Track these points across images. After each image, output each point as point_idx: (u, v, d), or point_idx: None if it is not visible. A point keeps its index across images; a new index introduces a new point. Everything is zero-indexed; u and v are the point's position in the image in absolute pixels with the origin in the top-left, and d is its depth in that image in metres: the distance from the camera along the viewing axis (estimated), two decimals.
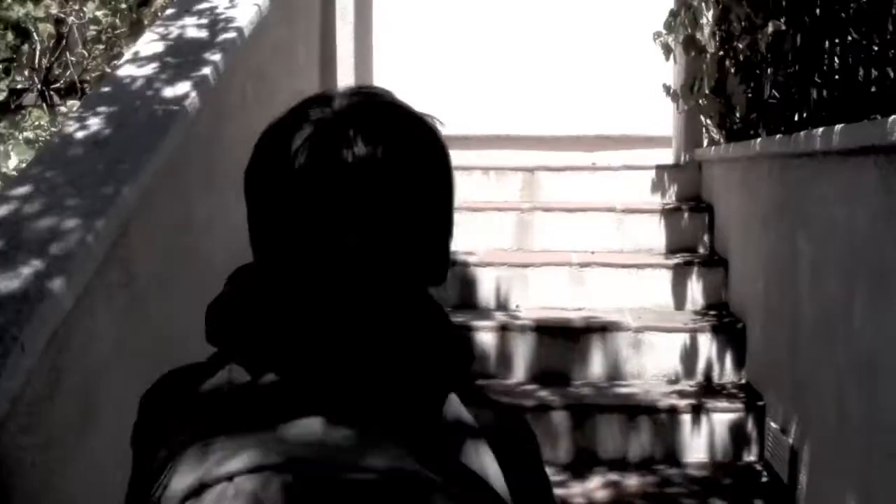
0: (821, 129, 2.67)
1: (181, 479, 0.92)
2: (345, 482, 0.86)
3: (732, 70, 4.22)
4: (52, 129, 5.44)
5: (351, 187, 0.98)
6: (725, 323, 4.00)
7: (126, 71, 3.59)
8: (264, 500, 0.86)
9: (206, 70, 3.55)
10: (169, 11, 4.18)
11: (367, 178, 0.98)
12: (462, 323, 3.93)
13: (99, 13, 5.89)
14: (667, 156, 5.86)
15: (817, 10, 3.01)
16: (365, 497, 0.85)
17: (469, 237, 4.60)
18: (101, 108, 3.33)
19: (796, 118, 3.22)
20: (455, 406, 0.98)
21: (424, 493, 0.85)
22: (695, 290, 4.27)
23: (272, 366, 0.98)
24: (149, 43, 3.80)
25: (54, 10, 5.84)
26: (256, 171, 1.08)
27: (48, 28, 5.85)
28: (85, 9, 5.91)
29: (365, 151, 0.99)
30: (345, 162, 0.98)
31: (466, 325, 3.92)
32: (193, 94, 3.39)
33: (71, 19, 5.97)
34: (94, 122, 3.24)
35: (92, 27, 5.97)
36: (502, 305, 4.27)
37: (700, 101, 4.73)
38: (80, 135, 3.18)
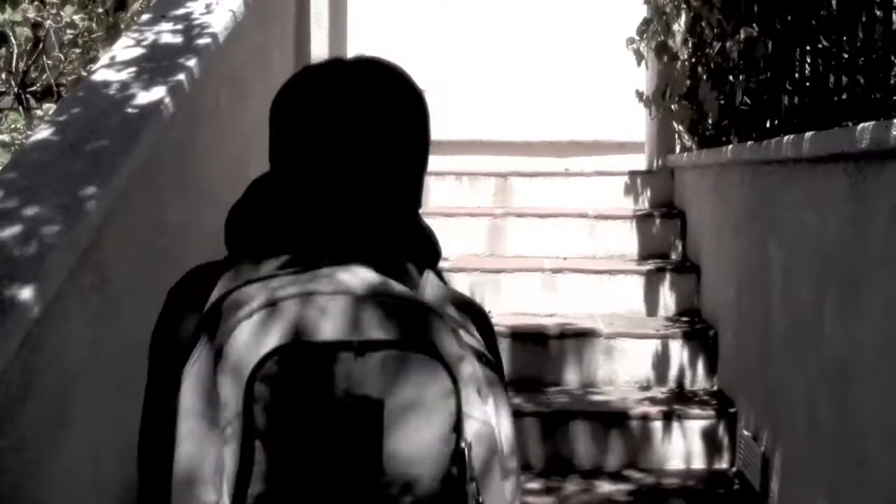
0: (791, 137, 2.69)
1: (251, 303, 1.14)
2: (383, 302, 1.14)
3: (704, 76, 4.26)
4: (28, 132, 5.43)
5: (355, 118, 1.32)
6: (697, 329, 4.03)
7: (101, 75, 3.58)
8: (328, 308, 1.12)
9: (181, 75, 3.54)
10: (145, 17, 4.17)
11: (368, 113, 1.32)
12: None
13: (76, 17, 5.89)
14: (639, 162, 5.89)
15: (788, 18, 3.04)
16: (397, 312, 1.14)
17: (442, 243, 4.61)
18: (76, 112, 3.32)
19: (768, 124, 3.25)
20: (433, 278, 1.27)
21: (430, 312, 1.16)
22: (667, 297, 4.29)
23: (288, 247, 1.23)
24: (124, 48, 3.79)
25: (32, 15, 5.83)
26: (282, 101, 1.41)
27: (25, 32, 5.84)
28: (62, 13, 5.90)
29: (367, 94, 1.33)
30: (352, 100, 1.32)
31: None
32: (168, 98, 3.38)
33: (48, 23, 5.95)
34: (69, 126, 3.23)
35: (69, 31, 5.97)
36: None
37: (672, 108, 4.76)
38: (54, 138, 3.17)
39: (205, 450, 1.12)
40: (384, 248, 1.27)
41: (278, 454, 1.11)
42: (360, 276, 1.17)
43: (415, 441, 1.15)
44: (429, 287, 1.25)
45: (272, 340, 1.11)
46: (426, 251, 1.36)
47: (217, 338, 1.15)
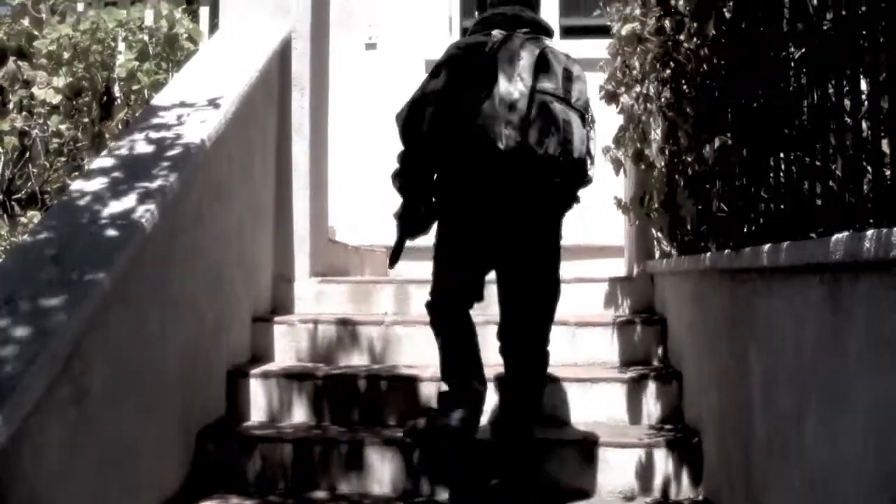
0: (768, 246, 2.72)
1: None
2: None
3: (681, 183, 4.30)
4: (12, 238, 5.44)
5: None
6: (681, 437, 4.00)
7: (85, 185, 3.62)
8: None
9: (163, 186, 3.58)
10: (129, 127, 4.22)
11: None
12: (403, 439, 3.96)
13: (62, 126, 5.97)
14: (619, 266, 5.93)
15: (762, 127, 3.09)
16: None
17: (422, 351, 4.61)
18: (58, 222, 3.35)
19: (745, 230, 3.28)
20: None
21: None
22: (649, 404, 4.28)
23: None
24: (108, 158, 3.84)
25: (19, 124, 5.91)
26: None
27: (13, 140, 5.92)
28: (49, 122, 5.98)
29: None
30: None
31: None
32: (149, 209, 3.41)
33: (35, 132, 6.02)
34: (51, 236, 3.25)
35: (55, 140, 6.05)
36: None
37: (651, 215, 4.80)
38: (36, 248, 3.18)
39: None
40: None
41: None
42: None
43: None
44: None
45: None
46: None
47: None
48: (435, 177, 3.82)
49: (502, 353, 3.89)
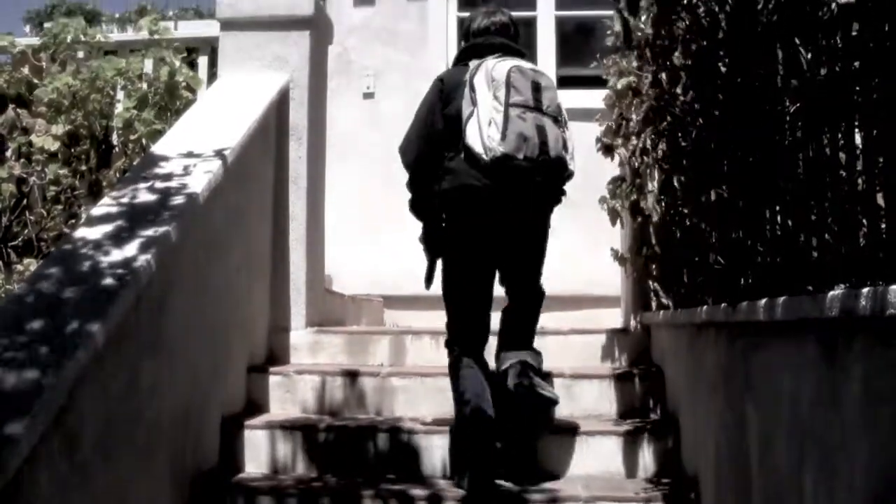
0: (764, 301, 2.71)
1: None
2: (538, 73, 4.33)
3: (678, 235, 4.31)
4: (8, 286, 5.44)
5: None
6: (677, 492, 3.97)
7: (82, 233, 3.61)
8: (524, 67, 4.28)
9: (159, 236, 3.58)
10: (126, 176, 4.23)
11: None
12: (402, 491, 3.95)
13: (60, 173, 6.00)
14: (615, 316, 5.92)
15: (758, 180, 3.09)
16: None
17: (416, 403, 4.59)
18: (55, 271, 3.34)
19: (742, 283, 3.27)
20: None
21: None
22: (646, 457, 4.25)
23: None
24: (105, 206, 3.84)
25: (17, 171, 5.94)
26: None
27: (10, 188, 5.94)
28: (47, 170, 6.01)
29: None
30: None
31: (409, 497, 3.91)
32: (145, 259, 3.41)
33: (32, 179, 6.05)
34: (47, 285, 3.24)
35: (52, 187, 6.08)
36: (449, 476, 4.21)
37: (648, 266, 4.80)
38: (32, 297, 3.18)
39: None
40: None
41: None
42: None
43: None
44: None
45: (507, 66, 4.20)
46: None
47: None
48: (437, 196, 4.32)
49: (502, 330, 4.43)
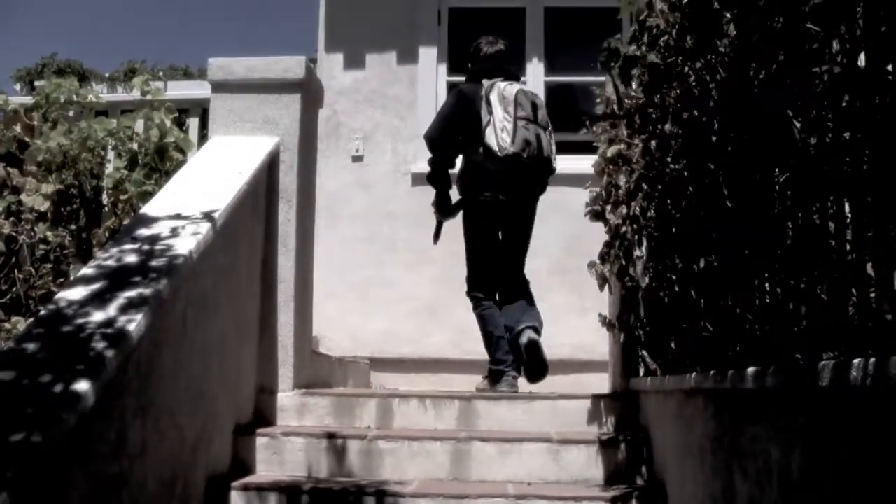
0: (753, 370, 2.71)
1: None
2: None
3: (666, 301, 4.32)
4: None
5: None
6: None
7: (71, 294, 3.60)
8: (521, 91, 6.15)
9: (148, 296, 3.57)
10: (116, 236, 4.23)
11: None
12: None
13: (49, 233, 6.01)
14: (603, 381, 5.92)
15: (747, 248, 3.11)
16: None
17: (405, 466, 4.57)
18: (41, 332, 3.33)
19: (731, 351, 3.28)
20: None
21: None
22: None
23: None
24: (94, 267, 3.84)
25: (6, 230, 5.95)
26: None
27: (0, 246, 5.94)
28: (36, 228, 6.02)
29: None
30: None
31: None
32: (134, 319, 3.40)
33: (22, 238, 6.05)
34: (33, 347, 3.24)
35: (41, 246, 6.09)
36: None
37: (636, 332, 4.81)
38: (18, 359, 3.17)
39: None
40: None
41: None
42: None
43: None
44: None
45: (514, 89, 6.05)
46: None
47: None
48: (461, 181, 6.31)
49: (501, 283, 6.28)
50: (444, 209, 6.37)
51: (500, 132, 5.80)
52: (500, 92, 5.95)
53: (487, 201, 6.06)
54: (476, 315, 6.20)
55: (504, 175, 5.91)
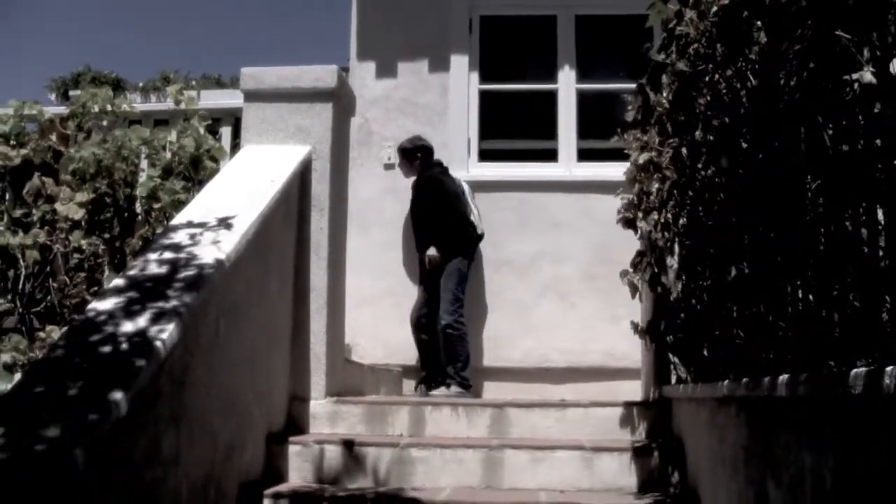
0: (786, 378, 2.70)
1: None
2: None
3: (698, 309, 4.30)
4: (30, 353, 5.47)
5: None
6: None
7: (104, 303, 3.63)
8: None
9: (181, 306, 3.60)
10: (150, 245, 4.26)
11: None
12: None
13: (83, 242, 6.06)
14: (635, 389, 5.90)
15: (779, 255, 3.10)
16: None
17: (437, 474, 4.57)
18: (76, 340, 3.36)
19: (763, 357, 3.26)
20: None
21: None
22: None
23: None
24: (127, 276, 3.86)
25: (42, 239, 6.00)
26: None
27: (34, 255, 6.00)
28: (70, 237, 6.07)
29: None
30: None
31: None
32: (167, 328, 3.42)
33: (57, 247, 6.11)
34: (67, 355, 3.26)
35: (76, 255, 6.14)
36: None
37: (668, 339, 4.79)
38: (53, 366, 3.19)
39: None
40: None
41: None
42: None
43: None
44: None
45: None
46: None
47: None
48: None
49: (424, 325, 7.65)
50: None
51: (474, 215, 7.76)
52: (465, 186, 7.95)
53: (471, 252, 7.71)
54: (458, 336, 7.31)
55: (476, 238, 7.83)
